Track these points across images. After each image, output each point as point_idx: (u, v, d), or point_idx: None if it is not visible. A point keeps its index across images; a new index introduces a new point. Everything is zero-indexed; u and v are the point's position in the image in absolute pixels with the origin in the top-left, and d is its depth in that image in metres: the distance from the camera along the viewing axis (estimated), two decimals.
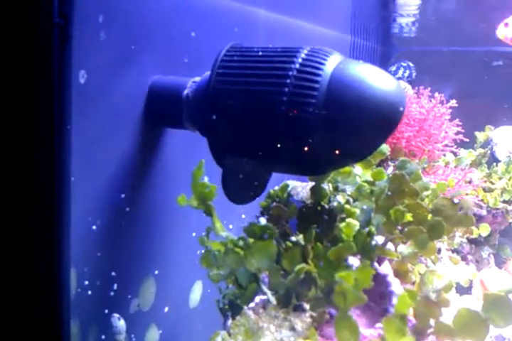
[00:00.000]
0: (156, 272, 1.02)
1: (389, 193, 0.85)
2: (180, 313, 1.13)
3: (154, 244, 1.01)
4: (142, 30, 0.87)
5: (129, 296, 0.96)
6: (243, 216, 1.32)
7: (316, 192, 0.90)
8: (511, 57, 2.14)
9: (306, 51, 0.76)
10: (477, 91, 2.13)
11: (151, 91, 0.88)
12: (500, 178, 1.55)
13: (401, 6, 2.05)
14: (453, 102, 1.46)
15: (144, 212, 0.96)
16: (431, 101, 1.44)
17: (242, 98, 0.75)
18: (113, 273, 0.91)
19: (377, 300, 0.84)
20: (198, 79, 0.87)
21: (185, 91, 0.86)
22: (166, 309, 1.07)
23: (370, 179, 0.91)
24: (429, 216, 0.89)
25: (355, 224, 0.77)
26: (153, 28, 0.89)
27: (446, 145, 1.44)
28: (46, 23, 0.71)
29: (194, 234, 1.12)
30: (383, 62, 2.25)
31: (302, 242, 0.85)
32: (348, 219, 0.77)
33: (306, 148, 0.72)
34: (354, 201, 0.86)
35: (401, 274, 0.93)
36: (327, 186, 0.91)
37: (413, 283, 0.95)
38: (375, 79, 0.72)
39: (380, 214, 0.84)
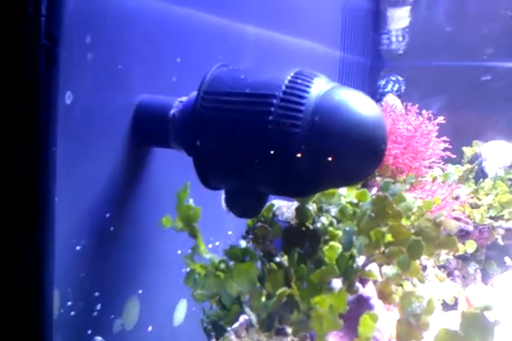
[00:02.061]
0: (140, 291, 1.02)
1: (372, 215, 0.85)
2: (165, 332, 1.13)
3: (139, 263, 1.01)
4: (129, 49, 0.87)
5: (113, 316, 0.95)
6: (230, 232, 1.32)
7: (301, 212, 0.90)
8: (499, 72, 2.17)
9: (289, 77, 0.76)
10: (466, 106, 2.15)
11: (137, 111, 0.88)
12: (487, 194, 1.56)
13: (391, 21, 2.07)
14: (440, 119, 1.47)
15: (129, 231, 0.96)
16: (418, 118, 1.45)
17: (227, 123, 0.75)
18: (97, 294, 0.90)
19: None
20: (184, 98, 0.88)
21: (172, 111, 0.86)
22: (150, 328, 1.07)
23: (354, 200, 0.91)
24: (413, 237, 0.89)
25: (338, 247, 0.77)
26: (140, 48, 0.90)
27: (433, 162, 1.44)
28: (33, 45, 0.71)
29: (180, 252, 1.11)
30: (373, 76, 2.26)
31: (286, 263, 0.85)
32: (331, 242, 0.77)
33: (291, 174, 0.72)
34: (338, 222, 0.86)
35: (385, 295, 0.93)
36: (312, 206, 0.91)
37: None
38: (360, 109, 0.72)
39: (363, 236, 0.84)
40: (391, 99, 2.03)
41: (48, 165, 0.75)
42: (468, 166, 1.67)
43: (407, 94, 2.17)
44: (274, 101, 0.73)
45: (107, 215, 0.89)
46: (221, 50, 1.13)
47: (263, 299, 0.74)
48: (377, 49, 2.26)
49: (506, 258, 1.75)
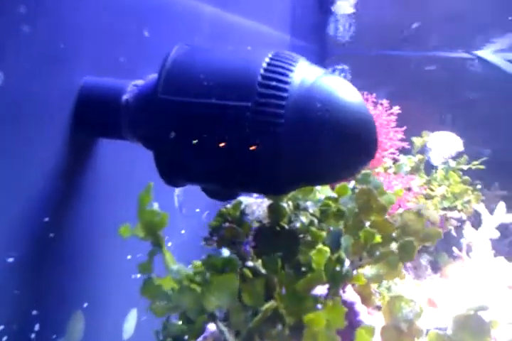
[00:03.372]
0: (86, 305, 0.88)
1: (356, 210, 0.78)
2: None
3: (83, 273, 0.87)
4: (74, 24, 0.72)
5: (54, 336, 0.81)
6: (183, 231, 1.20)
7: (275, 210, 0.80)
8: (443, 62, 2.18)
9: (268, 60, 0.67)
10: (411, 96, 2.14)
11: (82, 95, 0.74)
12: (439, 185, 1.55)
13: (337, 9, 2.01)
14: (396, 108, 1.42)
15: (72, 237, 0.82)
16: (377, 107, 1.40)
17: (197, 110, 0.64)
18: (34, 312, 0.76)
19: (345, 331, 0.76)
20: (140, 82, 0.74)
21: (125, 97, 0.73)
22: None
23: (333, 195, 0.83)
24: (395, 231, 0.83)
25: (327, 250, 0.68)
26: (87, 23, 0.75)
27: (392, 153, 1.40)
28: None
29: (129, 257, 0.98)
30: (319, 64, 2.18)
31: (262, 269, 0.75)
32: (319, 245, 0.68)
33: (271, 172, 0.63)
34: (319, 221, 0.77)
35: (364, 297, 0.86)
36: (286, 204, 0.81)
37: (377, 308, 0.89)
38: (351, 103, 0.65)
39: (348, 235, 0.76)
40: None
41: None
42: (420, 157, 1.65)
43: (352, 83, 2.13)
44: (248, 113, 0.63)
45: (46, 220, 0.75)
46: (175, 29, 1.00)
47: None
48: (324, 37, 2.20)
49: (454, 249, 1.75)
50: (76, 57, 0.73)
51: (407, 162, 1.57)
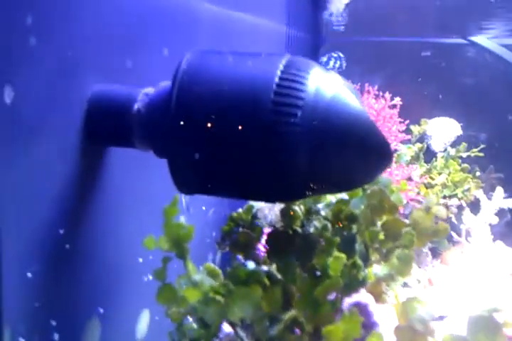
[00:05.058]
0: (101, 310, 0.89)
1: (369, 213, 0.79)
2: None
3: (98, 280, 0.87)
4: (80, 31, 0.71)
5: None
6: None
7: (287, 214, 0.81)
8: (439, 47, 2.18)
9: (281, 67, 0.66)
10: (406, 81, 2.14)
11: (92, 105, 0.73)
12: (439, 173, 1.56)
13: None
14: (397, 100, 1.42)
15: (86, 246, 0.82)
16: (379, 100, 1.39)
17: (213, 120, 0.63)
18: (53, 323, 0.76)
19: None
20: (150, 90, 0.74)
21: (136, 106, 0.72)
22: None
23: (344, 197, 0.84)
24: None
25: (343, 257, 0.69)
26: (91, 29, 0.74)
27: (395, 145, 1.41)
28: None
29: (141, 260, 0.99)
30: (314, 52, 2.18)
31: (277, 275, 0.76)
32: (335, 253, 0.68)
33: (291, 182, 0.63)
34: (332, 225, 0.78)
35: (375, 296, 0.87)
36: (298, 207, 0.82)
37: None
38: (363, 112, 0.64)
39: (360, 238, 0.77)
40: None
41: None
42: (419, 145, 1.66)
43: (348, 71, 2.13)
44: (268, 97, 0.62)
45: (61, 231, 0.75)
46: (177, 30, 0.99)
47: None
48: (318, 25, 2.18)
49: (453, 234, 1.78)
50: (83, 64, 0.72)
51: (407, 151, 1.58)
